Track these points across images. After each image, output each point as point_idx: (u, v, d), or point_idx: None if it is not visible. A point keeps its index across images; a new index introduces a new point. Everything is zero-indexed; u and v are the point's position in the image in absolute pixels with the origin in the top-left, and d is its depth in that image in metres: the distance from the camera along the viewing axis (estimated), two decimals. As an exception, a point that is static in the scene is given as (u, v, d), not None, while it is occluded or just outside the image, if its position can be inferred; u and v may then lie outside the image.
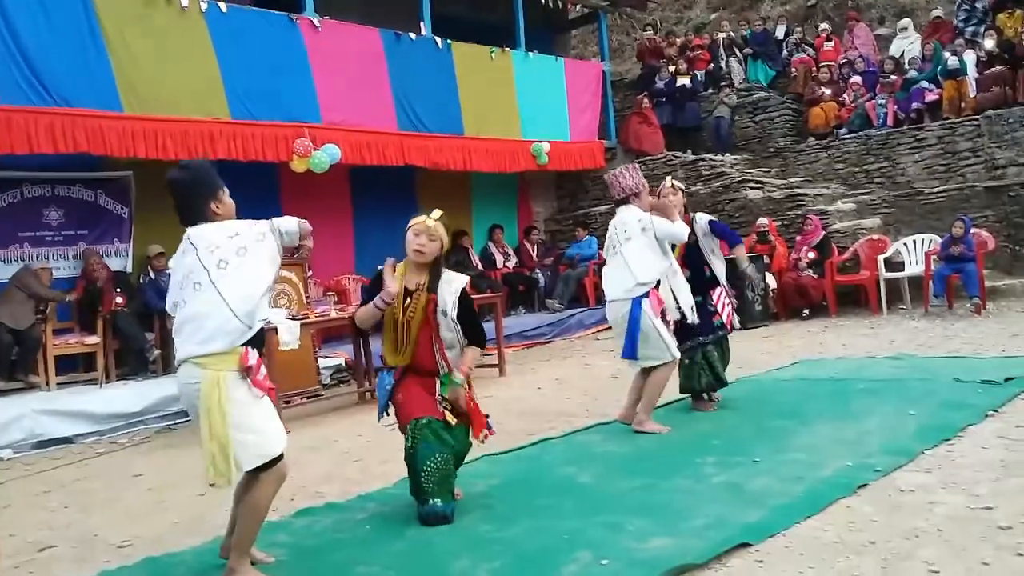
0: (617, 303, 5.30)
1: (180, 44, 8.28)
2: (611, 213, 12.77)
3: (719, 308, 5.77)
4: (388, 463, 5.05)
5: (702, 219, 5.83)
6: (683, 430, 5.26)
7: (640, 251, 5.21)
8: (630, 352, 5.23)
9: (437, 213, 4.00)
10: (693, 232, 5.65)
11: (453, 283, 4.00)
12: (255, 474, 3.24)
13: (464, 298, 4.01)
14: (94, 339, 8.11)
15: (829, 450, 4.40)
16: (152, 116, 8.01)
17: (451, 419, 3.90)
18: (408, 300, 3.94)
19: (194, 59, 8.39)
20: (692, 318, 5.47)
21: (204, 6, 8.46)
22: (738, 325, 6.12)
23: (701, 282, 5.74)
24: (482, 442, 4.10)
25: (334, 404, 7.59)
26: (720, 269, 5.83)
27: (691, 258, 5.76)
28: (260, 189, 9.72)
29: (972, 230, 9.58)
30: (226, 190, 3.47)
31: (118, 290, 8.29)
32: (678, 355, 5.33)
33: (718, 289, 5.82)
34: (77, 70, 7.60)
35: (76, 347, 8.12)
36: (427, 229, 3.94)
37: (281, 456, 3.29)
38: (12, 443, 6.58)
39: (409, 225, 4.01)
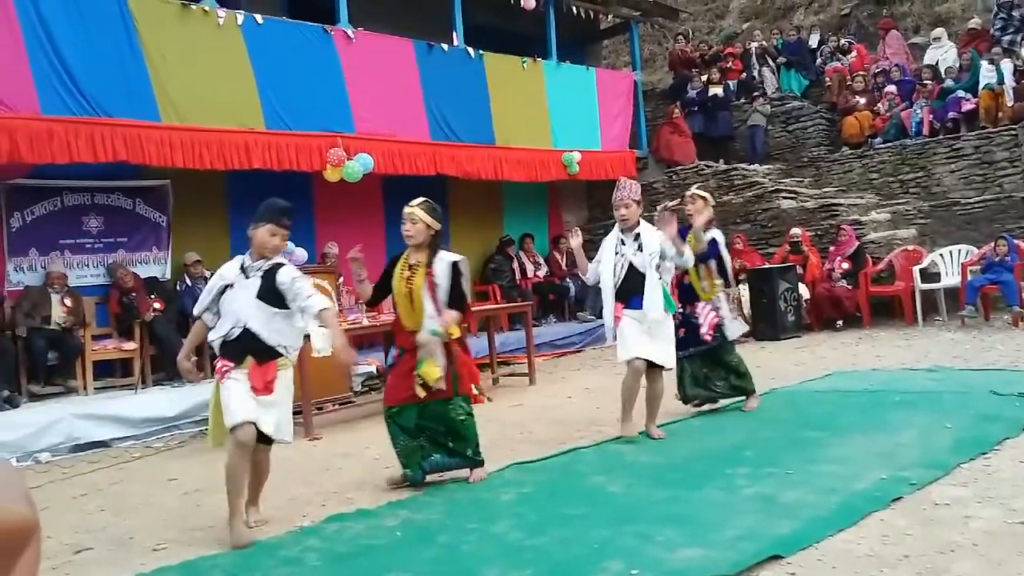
0: None
1: (216, 55, 8.41)
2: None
3: (701, 321, 5.92)
4: (419, 470, 5.08)
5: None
6: (714, 440, 5.24)
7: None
8: None
9: (417, 200, 4.72)
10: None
11: (445, 259, 4.68)
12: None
13: (455, 271, 4.66)
14: (131, 345, 8.24)
15: (863, 462, 4.36)
16: (189, 126, 8.13)
17: (420, 392, 4.54)
18: (409, 273, 4.65)
19: (230, 70, 8.51)
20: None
21: (240, 18, 8.58)
22: (730, 335, 6.07)
23: (686, 292, 6.00)
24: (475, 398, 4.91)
25: (365, 411, 7.64)
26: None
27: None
28: (294, 198, 9.70)
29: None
30: (264, 225, 4.14)
31: (152, 296, 8.43)
32: (626, 357, 5.42)
33: (701, 302, 5.93)
34: (116, 82, 7.73)
35: (114, 352, 8.25)
36: (408, 215, 4.68)
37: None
38: (50, 447, 6.69)
39: None
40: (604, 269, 5.46)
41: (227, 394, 4.07)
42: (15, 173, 7.81)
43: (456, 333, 4.73)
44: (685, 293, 6.02)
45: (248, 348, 4.09)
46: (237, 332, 4.10)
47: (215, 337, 4.18)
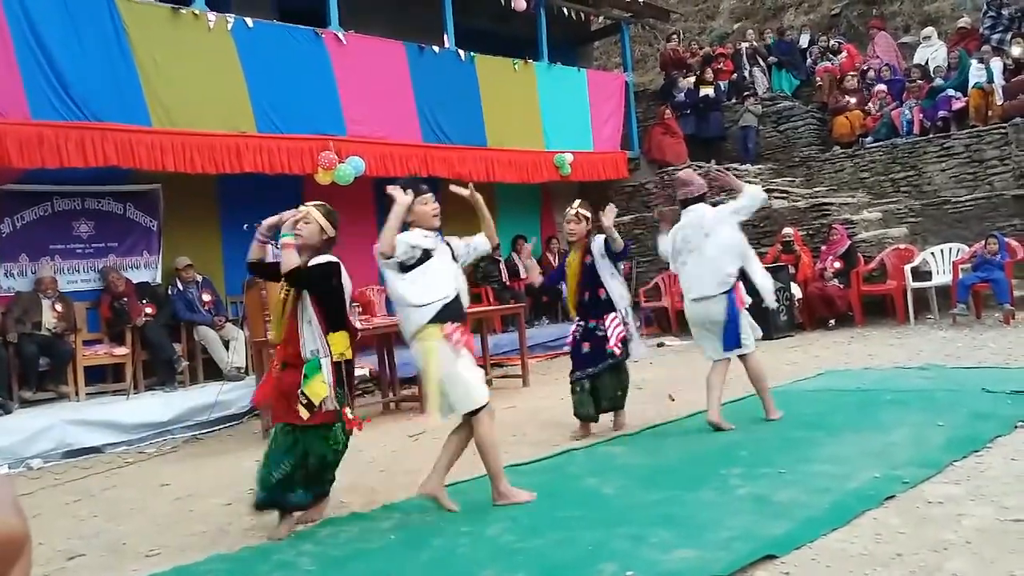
0: (712, 299, 5.46)
1: (207, 59, 8.40)
2: (635, 223, 12.76)
3: (609, 334, 5.64)
4: (412, 473, 5.06)
5: (598, 240, 5.74)
6: (707, 441, 5.24)
7: (725, 243, 5.50)
8: (735, 342, 5.45)
9: (316, 202, 4.37)
10: (590, 253, 5.73)
11: (318, 262, 4.18)
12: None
13: (315, 270, 4.14)
14: (123, 350, 8.22)
15: (856, 461, 4.36)
16: (180, 130, 8.11)
17: (304, 414, 4.07)
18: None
19: (221, 74, 8.49)
20: (771, 303, 5.90)
21: (230, 22, 8.57)
22: (632, 353, 5.79)
23: (597, 306, 5.72)
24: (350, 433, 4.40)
25: (359, 414, 7.60)
26: (618, 292, 5.72)
27: (587, 281, 5.74)
28: (285, 202, 9.74)
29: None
30: (418, 200, 4.28)
31: (144, 301, 8.40)
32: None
33: (612, 314, 5.67)
34: (107, 86, 7.72)
35: (105, 358, 8.22)
36: (303, 215, 4.25)
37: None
38: (42, 453, 6.67)
39: None
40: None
41: (466, 366, 4.18)
42: (5, 178, 7.79)
43: (346, 353, 4.27)
44: (595, 306, 5.72)
45: (460, 311, 4.23)
46: (451, 297, 4.20)
47: (432, 300, 4.13)
